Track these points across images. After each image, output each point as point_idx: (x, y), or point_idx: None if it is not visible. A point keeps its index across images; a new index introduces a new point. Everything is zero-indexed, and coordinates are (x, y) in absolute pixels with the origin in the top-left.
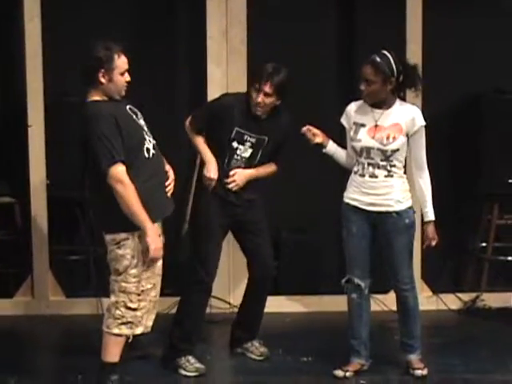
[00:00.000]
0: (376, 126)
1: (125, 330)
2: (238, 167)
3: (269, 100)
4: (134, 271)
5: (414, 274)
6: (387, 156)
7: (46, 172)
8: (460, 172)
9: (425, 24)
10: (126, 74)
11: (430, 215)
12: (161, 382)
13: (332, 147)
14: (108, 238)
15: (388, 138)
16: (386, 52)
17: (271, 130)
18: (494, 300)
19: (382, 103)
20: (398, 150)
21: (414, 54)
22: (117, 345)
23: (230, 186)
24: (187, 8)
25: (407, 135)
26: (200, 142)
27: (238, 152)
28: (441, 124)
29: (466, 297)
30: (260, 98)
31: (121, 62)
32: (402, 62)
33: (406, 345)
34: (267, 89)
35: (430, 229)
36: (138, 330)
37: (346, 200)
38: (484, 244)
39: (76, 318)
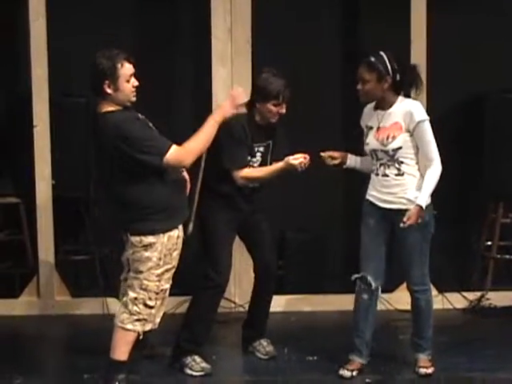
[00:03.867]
0: (379, 127)
1: (138, 327)
2: None
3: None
4: (157, 271)
5: (427, 276)
6: (391, 155)
7: (51, 172)
8: (465, 171)
9: (429, 23)
10: (133, 79)
11: (420, 201)
12: (166, 382)
13: (351, 161)
14: (134, 239)
15: (388, 137)
16: (381, 52)
17: (273, 133)
18: (499, 299)
19: (383, 104)
20: (400, 147)
21: (418, 52)
22: (127, 342)
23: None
24: (192, 7)
25: (409, 131)
26: (265, 170)
27: (250, 164)
28: (446, 123)
29: (472, 296)
30: (284, 109)
31: (125, 69)
32: (400, 62)
33: (415, 344)
34: (286, 102)
35: (413, 209)
36: (148, 327)
37: (367, 196)
38: (489, 243)
39: (82, 317)
